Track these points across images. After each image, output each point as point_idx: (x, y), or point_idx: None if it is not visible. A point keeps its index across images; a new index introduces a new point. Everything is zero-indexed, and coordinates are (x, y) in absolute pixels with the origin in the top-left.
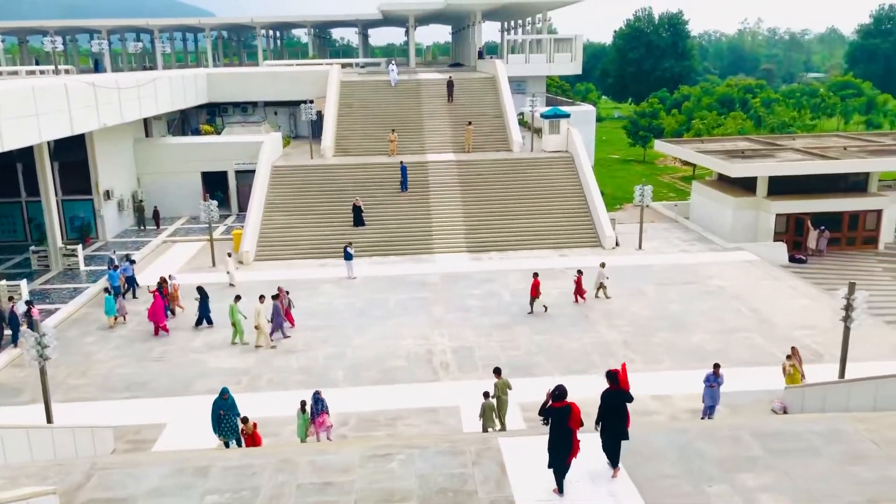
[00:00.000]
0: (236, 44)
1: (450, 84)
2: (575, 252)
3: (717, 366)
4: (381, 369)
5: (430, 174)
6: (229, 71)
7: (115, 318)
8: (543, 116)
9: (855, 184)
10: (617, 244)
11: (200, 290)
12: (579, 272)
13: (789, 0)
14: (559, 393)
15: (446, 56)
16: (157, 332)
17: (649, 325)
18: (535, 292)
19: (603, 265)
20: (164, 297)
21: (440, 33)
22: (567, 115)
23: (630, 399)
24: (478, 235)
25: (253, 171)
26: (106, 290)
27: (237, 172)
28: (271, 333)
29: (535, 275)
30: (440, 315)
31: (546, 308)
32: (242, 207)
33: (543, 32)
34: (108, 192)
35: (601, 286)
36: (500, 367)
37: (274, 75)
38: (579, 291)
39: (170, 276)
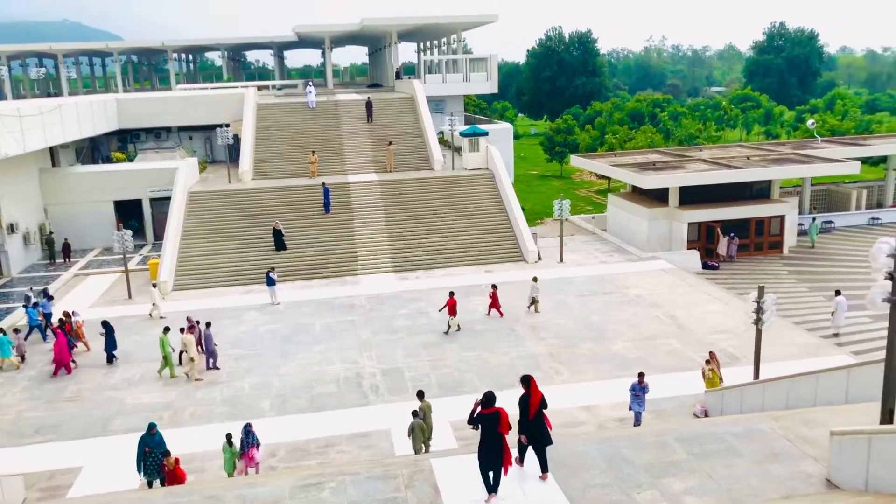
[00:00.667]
0: (147, 68)
1: (369, 104)
2: (499, 267)
3: (641, 375)
4: (309, 396)
5: (352, 195)
6: (140, 96)
7: (18, 360)
8: (463, 135)
9: (759, 191)
10: (539, 258)
11: (105, 324)
12: (493, 287)
13: (690, 18)
14: (487, 399)
15: (364, 77)
16: (56, 373)
17: (573, 336)
18: (452, 311)
19: (535, 279)
20: (67, 333)
21: (357, 54)
22: (485, 133)
23: (545, 405)
24: (403, 255)
25: (169, 198)
26: (1, 330)
27: (152, 200)
28: (208, 360)
29: (451, 294)
30: (368, 337)
31: (459, 327)
32: (158, 236)
33: (459, 53)
34: (11, 225)
35: (534, 300)
36: (423, 389)
37: (187, 99)
38: (495, 305)
39: (73, 312)
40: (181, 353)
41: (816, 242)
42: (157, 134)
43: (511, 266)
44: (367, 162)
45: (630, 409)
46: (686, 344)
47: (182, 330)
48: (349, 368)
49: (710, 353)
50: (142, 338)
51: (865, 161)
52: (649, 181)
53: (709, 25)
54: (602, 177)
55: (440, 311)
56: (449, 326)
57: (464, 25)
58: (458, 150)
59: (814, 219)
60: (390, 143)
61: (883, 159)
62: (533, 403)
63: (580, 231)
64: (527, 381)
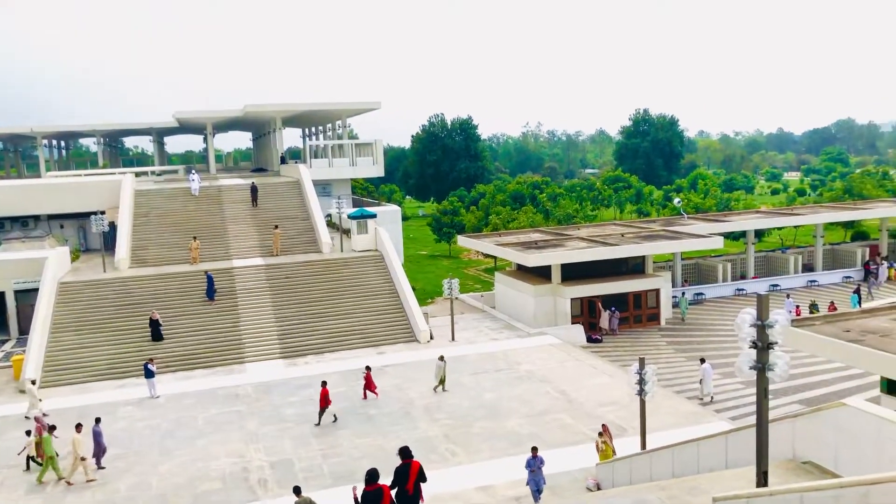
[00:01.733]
0: (14, 154)
1: (253, 189)
2: (392, 348)
3: (534, 449)
4: (193, 495)
5: (237, 280)
6: (5, 183)
7: None
8: (351, 217)
9: (635, 266)
10: (431, 337)
11: None
12: (367, 368)
13: (563, 105)
14: (370, 476)
15: (248, 161)
16: None
17: (468, 415)
18: (324, 402)
19: (442, 358)
20: None
21: (241, 139)
22: (373, 215)
23: (424, 478)
24: (292, 340)
25: (36, 290)
26: None
27: (17, 292)
28: (96, 460)
29: (324, 384)
30: (255, 428)
31: (335, 418)
32: (24, 330)
33: (345, 138)
34: None
35: (442, 380)
36: (299, 485)
37: (57, 187)
38: (369, 387)
39: None
40: (29, 457)
41: (689, 314)
42: (24, 222)
43: (403, 347)
44: (252, 246)
45: (528, 484)
46: (576, 418)
47: (78, 427)
48: (235, 463)
49: (603, 425)
50: (11, 440)
51: (727, 236)
52: (533, 259)
53: (580, 112)
54: (489, 255)
55: (322, 409)
56: (320, 417)
57: (348, 112)
58: (347, 232)
59: (683, 293)
60: (276, 227)
61: (742, 234)
62: (412, 474)
63: (470, 309)
64: (405, 451)
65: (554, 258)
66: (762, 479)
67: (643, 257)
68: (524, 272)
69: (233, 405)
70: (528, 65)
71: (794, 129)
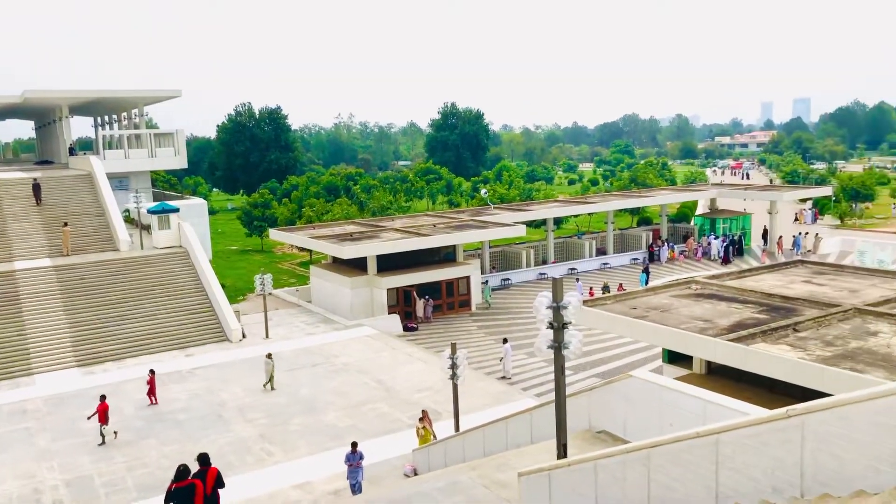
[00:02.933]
0: None
1: (36, 187)
2: (200, 350)
3: (354, 444)
4: None
5: (20, 284)
6: None
7: None
8: (151, 212)
9: (447, 255)
10: (244, 336)
11: None
12: (151, 372)
13: (374, 98)
14: (180, 473)
15: (31, 153)
16: None
17: (284, 412)
18: (102, 418)
19: (269, 356)
20: None
21: (22, 128)
22: (176, 210)
23: (221, 483)
24: (88, 346)
25: None
26: None
27: None
28: None
29: (103, 398)
30: (47, 445)
31: (116, 434)
32: None
33: (142, 127)
34: None
35: (271, 378)
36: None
37: None
38: (152, 391)
39: None
40: None
41: (498, 298)
42: None
43: (214, 347)
44: (39, 247)
45: (347, 479)
46: (394, 406)
47: None
48: (25, 485)
49: (423, 411)
50: None
51: (530, 224)
52: (348, 251)
53: (391, 104)
54: (303, 249)
55: (89, 418)
56: (103, 436)
57: (145, 100)
58: (147, 228)
59: (486, 281)
60: (66, 224)
61: (543, 222)
62: (209, 480)
63: (285, 304)
64: (203, 458)
65: (369, 250)
66: (562, 451)
67: (454, 246)
68: (340, 265)
69: (19, 422)
70: (338, 55)
71: (587, 122)
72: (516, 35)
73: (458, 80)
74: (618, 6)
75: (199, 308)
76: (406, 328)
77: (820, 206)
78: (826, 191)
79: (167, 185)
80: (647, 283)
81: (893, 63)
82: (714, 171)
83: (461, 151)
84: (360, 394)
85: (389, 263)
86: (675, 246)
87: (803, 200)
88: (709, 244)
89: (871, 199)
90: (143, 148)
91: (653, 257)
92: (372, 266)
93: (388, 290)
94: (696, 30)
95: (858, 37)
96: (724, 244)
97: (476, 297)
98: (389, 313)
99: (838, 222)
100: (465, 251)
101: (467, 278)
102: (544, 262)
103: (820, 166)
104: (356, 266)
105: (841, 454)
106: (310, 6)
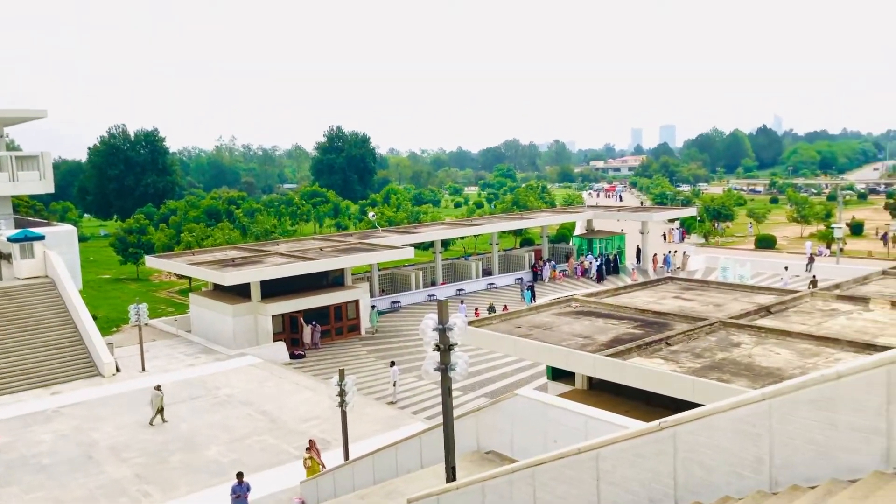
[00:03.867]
0: None
1: None
2: (69, 387)
3: (240, 475)
4: None
5: None
6: None
7: None
8: (11, 240)
9: (335, 279)
10: (118, 370)
11: None
12: None
13: (257, 120)
14: None
15: None
16: None
17: (162, 450)
18: None
19: (158, 388)
20: None
21: None
22: (41, 237)
23: None
24: None
25: None
26: None
27: None
28: None
29: None
30: None
31: None
32: None
33: (2, 149)
34: None
35: (160, 410)
36: None
37: None
38: None
39: None
40: None
41: (388, 321)
42: None
43: (84, 383)
44: None
45: None
46: (280, 437)
47: None
48: None
49: (310, 441)
50: None
51: (418, 246)
52: (230, 278)
53: (276, 127)
54: (182, 276)
55: None
56: None
57: (6, 121)
58: (8, 257)
59: (373, 306)
60: None
61: (431, 244)
62: None
63: (163, 335)
64: None
65: (253, 275)
66: (451, 474)
67: (342, 270)
68: (222, 292)
69: None
70: (219, 77)
71: (471, 147)
72: (399, 60)
73: (344, 104)
74: (497, 38)
75: (66, 342)
76: (293, 356)
77: (687, 226)
78: (691, 211)
79: (31, 210)
80: (532, 301)
81: (744, 94)
82: (590, 193)
83: (348, 174)
84: (244, 426)
85: (274, 289)
86: (557, 265)
87: (672, 220)
88: (591, 263)
89: (731, 219)
90: (4, 171)
91: (536, 277)
92: (256, 292)
93: (273, 316)
94: (572, 60)
95: (716, 68)
96: (598, 263)
97: (365, 322)
98: (275, 341)
99: (703, 241)
100: (353, 275)
101: (356, 302)
102: (433, 284)
103: (685, 189)
104: (239, 293)
105: (708, 462)
106: (191, 26)
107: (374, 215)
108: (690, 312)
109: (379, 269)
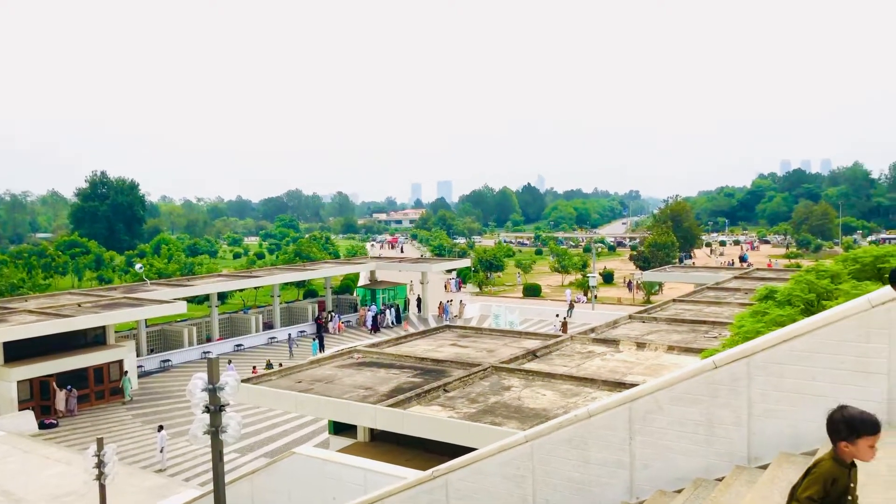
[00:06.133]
0: None
1: None
2: None
3: None
4: None
5: None
6: None
7: None
8: None
9: (95, 338)
10: None
11: None
12: None
13: (7, 164)
14: None
15: None
16: None
17: None
18: None
19: None
20: None
21: None
22: None
23: None
24: None
25: None
26: None
27: None
28: None
29: None
30: None
31: None
32: None
33: None
34: None
35: None
36: None
37: None
38: None
39: None
40: None
41: (157, 381)
42: None
43: None
44: None
45: None
46: None
47: None
48: None
49: None
50: None
51: (192, 300)
52: None
53: (27, 171)
54: None
55: None
56: None
57: None
58: None
59: (125, 372)
60: None
61: (207, 297)
62: None
63: None
64: None
65: None
66: None
67: (104, 327)
68: None
69: None
70: None
71: (252, 197)
72: (174, 105)
73: (110, 149)
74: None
75: None
76: (43, 425)
77: (463, 276)
78: (466, 262)
79: None
80: (320, 351)
81: (513, 154)
82: (373, 244)
83: (113, 223)
84: None
85: (22, 351)
86: (341, 316)
87: (449, 271)
88: (367, 315)
89: (501, 269)
90: None
91: (320, 329)
92: None
93: (18, 382)
94: (354, 113)
95: (488, 128)
96: (374, 314)
97: (132, 383)
98: (21, 409)
99: (478, 290)
100: (117, 332)
101: (120, 362)
102: (209, 340)
103: (461, 241)
104: None
105: None
106: None
107: (141, 267)
108: (466, 359)
109: (147, 326)
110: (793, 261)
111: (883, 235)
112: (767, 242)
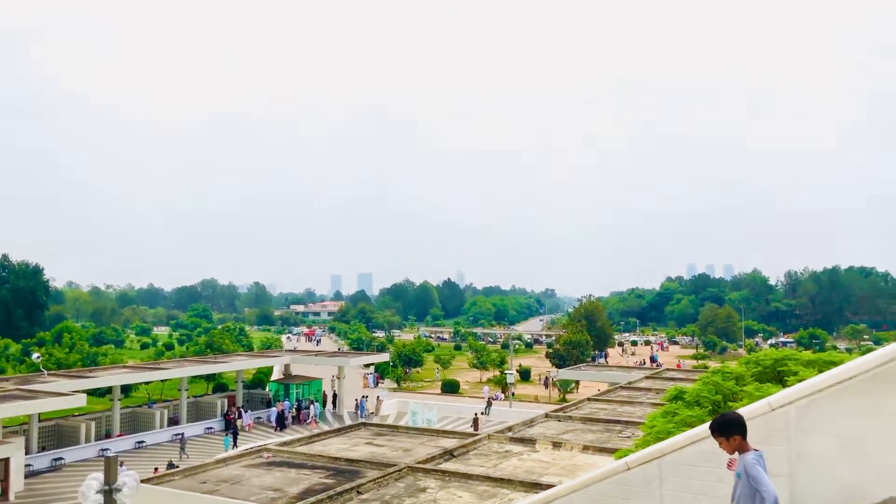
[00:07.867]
0: None
1: None
2: None
3: None
4: None
5: None
6: None
7: None
8: None
9: None
10: None
11: None
12: None
13: None
14: None
15: None
16: None
17: None
18: None
19: None
20: None
21: None
22: None
23: None
24: None
25: None
26: None
27: None
28: None
29: None
30: None
31: None
32: None
33: None
34: None
35: None
36: None
37: None
38: None
39: None
40: None
41: (48, 482)
42: None
43: None
44: None
45: None
46: None
47: None
48: None
49: None
50: None
51: (93, 392)
52: None
53: None
54: None
55: None
56: None
57: None
58: None
59: None
60: None
61: (109, 390)
62: None
63: None
64: None
65: None
66: None
67: None
68: None
69: None
70: None
71: (164, 285)
72: (76, 183)
73: (12, 232)
74: (196, 175)
75: None
76: None
77: (381, 371)
78: (385, 357)
79: None
80: (233, 445)
81: (432, 249)
82: (289, 337)
83: (12, 309)
84: None
85: None
86: (251, 412)
87: (367, 365)
88: (307, 409)
89: (420, 364)
90: None
91: (228, 425)
92: None
93: None
94: (271, 201)
95: (408, 221)
96: (279, 411)
97: (17, 485)
98: None
99: (395, 385)
100: (5, 427)
101: (6, 461)
102: (108, 436)
103: (380, 334)
104: None
105: None
106: None
107: (38, 356)
108: (381, 458)
109: (40, 420)
110: (700, 362)
111: (781, 339)
112: (676, 343)
